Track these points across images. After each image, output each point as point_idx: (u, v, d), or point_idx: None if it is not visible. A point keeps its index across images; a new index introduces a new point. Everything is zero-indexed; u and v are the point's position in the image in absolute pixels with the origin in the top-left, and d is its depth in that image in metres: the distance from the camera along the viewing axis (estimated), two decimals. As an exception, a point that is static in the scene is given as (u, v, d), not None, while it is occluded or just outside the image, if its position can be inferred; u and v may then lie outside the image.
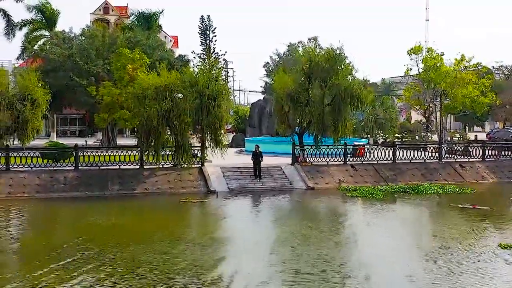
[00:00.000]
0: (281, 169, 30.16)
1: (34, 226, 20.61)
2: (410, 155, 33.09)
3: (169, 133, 28.87)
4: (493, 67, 58.18)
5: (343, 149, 31.63)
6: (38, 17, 49.12)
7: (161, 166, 28.61)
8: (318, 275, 13.41)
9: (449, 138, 46.97)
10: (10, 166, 26.82)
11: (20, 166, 27.03)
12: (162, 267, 14.07)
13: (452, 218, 21.31)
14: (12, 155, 27.21)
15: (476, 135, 55.32)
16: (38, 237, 18.42)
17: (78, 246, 16.32)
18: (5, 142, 27.60)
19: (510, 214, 22.49)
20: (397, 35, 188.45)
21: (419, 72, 40.97)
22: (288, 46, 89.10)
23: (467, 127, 76.43)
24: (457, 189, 27.91)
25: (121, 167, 28.23)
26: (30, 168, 27.08)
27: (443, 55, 47.10)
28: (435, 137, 44.82)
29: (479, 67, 46.01)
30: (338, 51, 32.18)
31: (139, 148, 29.45)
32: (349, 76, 32.37)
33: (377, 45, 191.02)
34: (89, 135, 59.79)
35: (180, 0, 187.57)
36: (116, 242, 16.85)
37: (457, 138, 49.98)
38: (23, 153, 27.63)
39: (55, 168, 27.55)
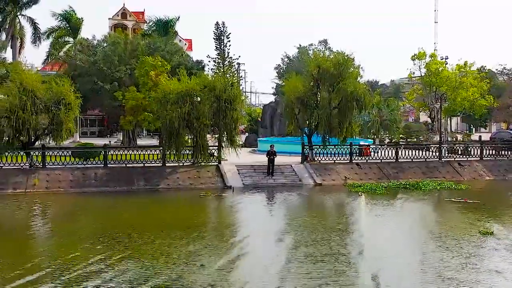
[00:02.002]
0: (291, 167, 32.71)
1: (73, 216, 23.25)
2: (412, 154, 35.51)
3: (188, 134, 31.56)
4: (497, 70, 60.18)
5: (349, 149, 34.12)
6: (62, 25, 52.13)
7: (181, 164, 31.32)
8: (324, 256, 15.70)
9: (451, 139, 49.19)
10: (46, 164, 29.72)
11: (55, 164, 29.93)
12: (187, 247, 16.65)
13: (443, 209, 23.89)
14: (48, 154, 30.09)
15: (480, 136, 57.35)
16: (77, 224, 21.15)
17: (115, 231, 18.96)
18: (41, 142, 30.44)
19: (495, 207, 24.85)
20: (407, 36, 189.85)
21: (421, 76, 43.33)
22: (298, 48, 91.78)
23: (473, 129, 78.49)
24: (453, 186, 30.29)
25: (145, 165, 30.99)
26: (64, 166, 29.96)
27: (447, 58, 49.41)
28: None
29: (483, 70, 48.15)
30: (345, 57, 34.84)
31: (161, 148, 32.30)
32: (358, 78, 35.03)
33: (388, 45, 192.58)
34: (108, 136, 62.63)
35: (193, 3, 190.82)
36: (147, 228, 19.47)
37: (461, 139, 52.16)
38: (57, 152, 30.50)
39: (86, 166, 30.39)
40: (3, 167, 29.07)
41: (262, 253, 16.42)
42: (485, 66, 56.95)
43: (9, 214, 23.27)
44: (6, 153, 29.32)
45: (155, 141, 48.94)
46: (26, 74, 29.80)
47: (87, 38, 47.89)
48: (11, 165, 29.30)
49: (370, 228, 20.16)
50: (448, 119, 57.23)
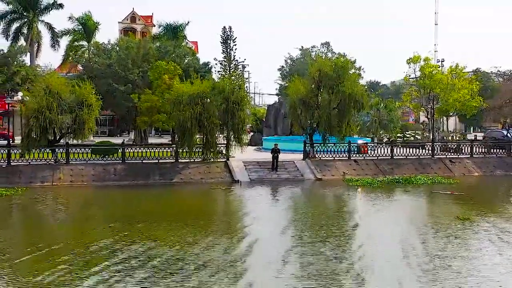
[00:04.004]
0: (294, 163, 35.41)
1: (96, 205, 25.92)
2: (406, 152, 38.18)
3: (199, 132, 34.28)
4: (492, 72, 62.73)
5: (347, 147, 36.81)
6: (78, 29, 54.96)
7: (193, 160, 34.07)
8: (325, 238, 18.29)
9: (449, 137, 51.86)
10: (70, 160, 32.51)
11: (77, 160, 32.73)
12: (201, 230, 19.34)
13: (430, 200, 26.63)
14: (71, 151, 32.89)
15: (475, 135, 59.95)
16: (100, 212, 23.84)
17: (134, 217, 21.66)
18: (65, 140, 33.24)
19: (477, 198, 27.56)
20: (409, 37, 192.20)
21: (416, 79, 46.08)
22: (301, 50, 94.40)
23: (471, 128, 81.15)
24: (443, 180, 32.93)
25: (159, 161, 33.75)
26: (86, 162, 32.76)
27: (443, 61, 51.96)
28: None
29: (478, 72, 50.63)
30: (344, 61, 37.65)
31: (172, 146, 35.08)
32: (359, 79, 37.74)
33: (390, 46, 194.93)
34: (118, 135, 65.37)
35: (196, 5, 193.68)
36: (164, 215, 22.20)
37: (457, 138, 54.76)
38: (79, 149, 33.29)
39: (106, 162, 33.18)
40: (31, 163, 31.90)
41: (266, 235, 19.02)
42: (480, 68, 59.50)
43: (40, 203, 25.95)
44: (34, 150, 32.07)
45: (162, 140, 51.70)
46: (52, 77, 32.55)
47: (103, 42, 50.74)
48: (38, 161, 32.15)
49: (363, 215, 22.80)
50: (445, 119, 59.77)
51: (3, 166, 31.51)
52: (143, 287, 12.89)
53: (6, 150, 32.05)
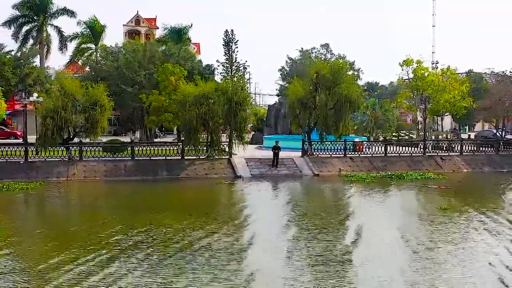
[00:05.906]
0: (293, 160, 37.61)
1: (109, 198, 28.14)
2: (399, 150, 40.40)
3: (204, 131, 36.45)
4: (486, 73, 64.85)
5: (343, 145, 39.01)
6: (85, 32, 57.20)
7: (198, 157, 36.26)
8: (322, 228, 20.33)
9: (441, 136, 54.06)
10: (83, 157, 34.72)
11: (90, 157, 34.93)
12: (209, 216, 21.56)
13: (418, 192, 28.82)
14: (83, 149, 35.08)
15: (469, 135, 62.07)
16: (113, 204, 26.06)
17: (148, 208, 23.89)
18: (79, 138, 35.42)
19: (462, 191, 29.77)
20: (407, 39, 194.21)
21: (409, 80, 48.31)
22: (300, 51, 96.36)
23: (466, 127, 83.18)
24: (433, 176, 35.11)
25: (166, 158, 35.94)
26: (98, 158, 34.97)
27: (437, 63, 54.12)
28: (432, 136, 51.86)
29: (471, 73, 52.70)
30: (341, 64, 39.80)
31: (178, 144, 37.27)
32: (357, 80, 39.80)
33: (390, 47, 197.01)
34: (123, 134, 67.25)
35: (199, 7, 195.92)
36: (177, 205, 24.41)
37: (450, 137, 56.91)
38: (92, 147, 35.48)
39: (116, 158, 35.39)
40: (47, 159, 34.14)
41: (267, 223, 21.23)
42: (472, 69, 61.52)
43: (61, 195, 28.19)
44: (49, 148, 34.24)
45: (165, 139, 53.77)
46: (67, 79, 34.78)
47: (111, 45, 52.95)
48: (53, 158, 34.38)
49: (356, 206, 24.99)
50: (439, 119, 61.89)
51: (21, 162, 33.72)
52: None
53: (23, 148, 34.29)
